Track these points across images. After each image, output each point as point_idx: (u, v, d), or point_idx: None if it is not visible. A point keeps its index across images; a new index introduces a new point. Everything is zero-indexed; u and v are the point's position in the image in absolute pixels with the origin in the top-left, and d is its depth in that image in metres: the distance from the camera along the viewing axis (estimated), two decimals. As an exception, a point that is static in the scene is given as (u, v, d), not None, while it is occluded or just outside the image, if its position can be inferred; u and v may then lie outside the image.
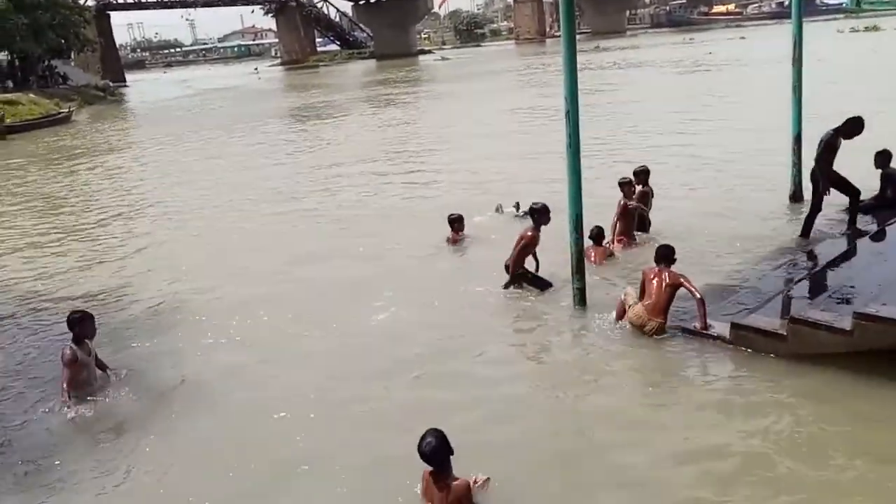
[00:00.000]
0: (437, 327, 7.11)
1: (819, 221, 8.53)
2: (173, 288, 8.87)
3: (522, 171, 13.96)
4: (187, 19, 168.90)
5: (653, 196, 9.53)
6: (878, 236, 8.09)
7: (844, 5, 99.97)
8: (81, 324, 6.13)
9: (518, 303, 7.60)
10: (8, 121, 31.90)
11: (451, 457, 4.22)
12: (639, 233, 9.18)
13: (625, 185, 9.05)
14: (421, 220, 11.12)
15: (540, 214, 7.72)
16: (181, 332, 7.54)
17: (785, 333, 5.85)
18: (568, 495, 4.58)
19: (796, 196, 10.09)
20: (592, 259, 8.20)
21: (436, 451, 4.13)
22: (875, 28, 52.07)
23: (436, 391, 5.90)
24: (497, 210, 10.90)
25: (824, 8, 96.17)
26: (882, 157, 9.26)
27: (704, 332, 6.26)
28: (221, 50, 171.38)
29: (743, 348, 6.05)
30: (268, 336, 7.29)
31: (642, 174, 9.50)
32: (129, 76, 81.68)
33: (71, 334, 6.14)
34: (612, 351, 6.36)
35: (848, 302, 6.15)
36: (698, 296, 6.27)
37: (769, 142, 13.13)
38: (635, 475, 4.66)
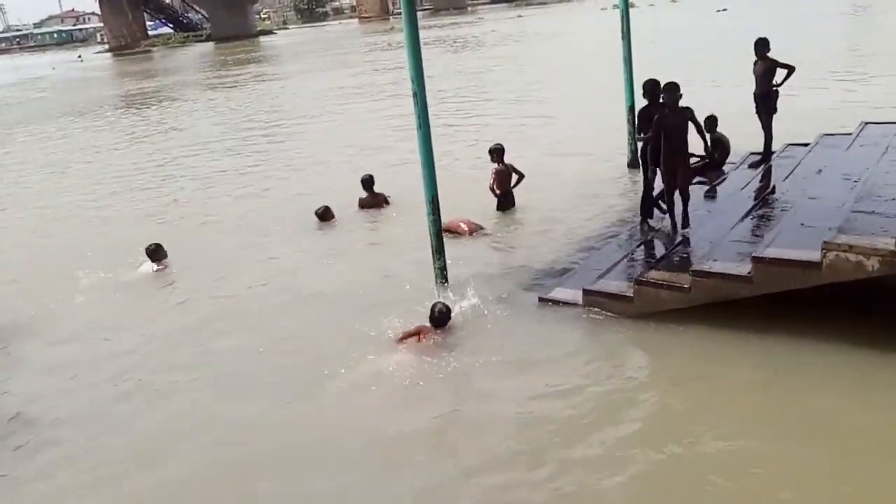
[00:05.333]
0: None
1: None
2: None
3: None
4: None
5: (515, 173, 9.60)
6: (710, 194, 8.67)
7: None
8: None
9: (385, 280, 7.66)
10: None
11: None
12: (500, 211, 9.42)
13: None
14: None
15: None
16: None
17: (631, 295, 6.20)
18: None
19: (634, 162, 10.67)
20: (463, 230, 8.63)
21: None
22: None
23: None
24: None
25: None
26: (710, 122, 9.82)
27: (559, 300, 6.56)
28: (39, 37, 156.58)
29: (595, 310, 6.37)
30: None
31: (496, 152, 9.56)
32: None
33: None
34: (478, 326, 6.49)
35: (685, 261, 6.58)
36: None
37: (598, 113, 13.80)
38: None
